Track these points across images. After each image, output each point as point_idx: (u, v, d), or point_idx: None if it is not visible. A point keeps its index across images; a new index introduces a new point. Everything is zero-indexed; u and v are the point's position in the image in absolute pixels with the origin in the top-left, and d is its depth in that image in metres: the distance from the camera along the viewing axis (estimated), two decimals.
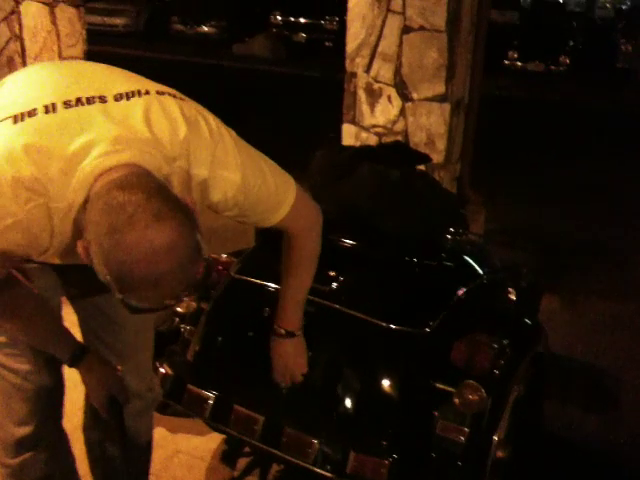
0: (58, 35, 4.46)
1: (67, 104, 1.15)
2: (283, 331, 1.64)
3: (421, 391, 1.74)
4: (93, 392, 1.50)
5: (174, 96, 1.26)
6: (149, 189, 1.06)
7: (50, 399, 1.57)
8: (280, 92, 8.57)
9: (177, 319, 2.19)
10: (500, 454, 1.82)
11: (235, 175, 1.28)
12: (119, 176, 1.07)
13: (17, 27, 4.47)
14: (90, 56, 4.59)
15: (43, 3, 4.41)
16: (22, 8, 4.44)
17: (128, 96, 1.20)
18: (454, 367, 1.75)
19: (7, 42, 4.51)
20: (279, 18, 13.91)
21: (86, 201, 1.09)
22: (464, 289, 2.02)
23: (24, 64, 4.41)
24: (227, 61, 11.45)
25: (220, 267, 2.12)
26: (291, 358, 1.68)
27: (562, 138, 7.16)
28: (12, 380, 1.50)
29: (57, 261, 1.27)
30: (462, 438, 1.68)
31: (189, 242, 1.06)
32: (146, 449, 1.83)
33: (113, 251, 1.02)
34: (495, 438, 1.72)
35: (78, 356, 1.44)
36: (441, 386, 1.73)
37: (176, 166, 1.19)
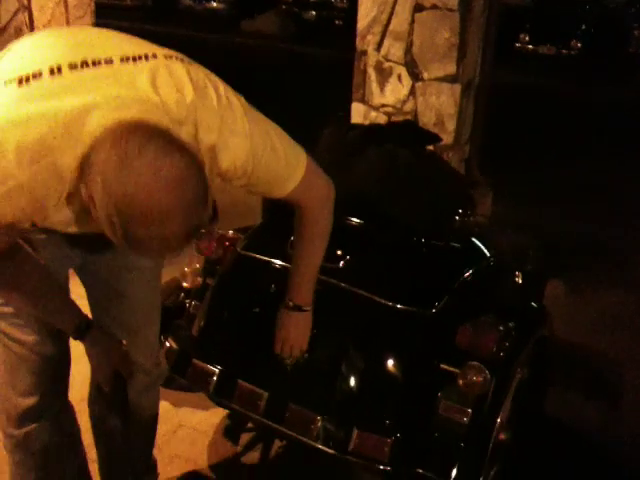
0: (66, 6, 4.42)
1: (72, 66, 1.14)
2: (292, 304, 1.64)
3: (425, 371, 1.74)
4: (97, 366, 1.51)
5: (182, 60, 1.24)
6: (158, 129, 1.05)
7: (55, 370, 1.57)
8: (288, 70, 8.52)
9: (183, 294, 2.19)
10: (502, 436, 1.83)
11: (244, 142, 1.26)
12: (127, 123, 1.06)
13: None
14: None
15: None
16: None
17: (135, 59, 1.19)
18: (459, 348, 1.75)
19: (15, 13, 4.48)
20: None
21: (92, 150, 1.06)
22: (470, 271, 2.02)
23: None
24: (235, 37, 11.38)
25: (227, 243, 2.12)
26: (294, 332, 1.68)
27: (570, 123, 7.10)
28: (17, 351, 1.50)
29: (65, 229, 1.26)
30: (465, 419, 1.68)
31: (197, 182, 1.05)
32: (151, 424, 1.84)
33: (119, 180, 1.00)
34: (498, 420, 1.72)
35: (83, 329, 1.44)
36: (445, 367, 1.73)
37: (183, 131, 1.17)
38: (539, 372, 2.07)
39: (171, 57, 1.23)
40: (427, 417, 1.68)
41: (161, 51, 1.24)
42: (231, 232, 2.19)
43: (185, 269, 2.19)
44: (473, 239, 2.22)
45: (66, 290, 1.55)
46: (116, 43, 1.24)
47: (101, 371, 1.51)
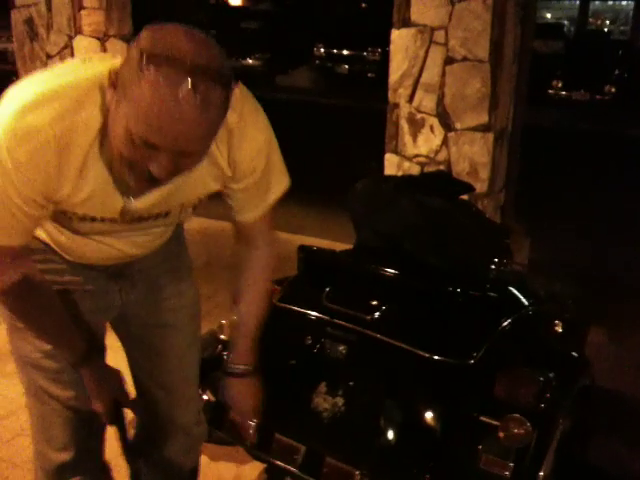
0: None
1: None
2: (240, 368, 1.51)
3: (464, 424, 1.71)
4: (96, 395, 1.46)
5: None
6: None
7: (90, 427, 1.58)
8: (322, 123, 8.66)
9: (220, 346, 2.21)
10: None
11: (262, 135, 1.30)
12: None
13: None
14: None
15: (94, 37, 4.58)
16: (75, 43, 4.61)
17: None
18: (498, 400, 1.73)
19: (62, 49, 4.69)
20: (322, 50, 14.12)
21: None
22: (508, 320, 2.00)
23: None
24: (270, 92, 11.66)
25: None
26: (245, 400, 1.53)
27: (607, 169, 7.04)
28: (53, 406, 1.51)
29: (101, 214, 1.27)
30: (507, 473, 1.64)
31: (220, 112, 1.06)
32: (189, 477, 1.83)
33: (147, 85, 1.00)
34: (541, 474, 1.68)
35: (82, 358, 1.41)
36: (485, 419, 1.70)
37: None
38: (582, 423, 2.02)
39: None
40: (468, 471, 1.65)
41: None
42: None
43: (222, 321, 2.21)
44: (510, 288, 2.21)
45: (102, 342, 1.57)
46: None
47: (100, 400, 1.47)
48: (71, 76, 1.17)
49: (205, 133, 1.08)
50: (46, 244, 1.39)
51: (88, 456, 1.59)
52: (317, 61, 13.97)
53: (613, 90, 12.32)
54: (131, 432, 1.68)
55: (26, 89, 1.14)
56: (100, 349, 1.54)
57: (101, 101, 1.13)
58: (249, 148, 1.29)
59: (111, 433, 1.65)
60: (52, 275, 1.39)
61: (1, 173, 1.11)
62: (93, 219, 1.27)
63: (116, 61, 1.15)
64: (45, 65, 4.70)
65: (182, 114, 1.02)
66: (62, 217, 1.27)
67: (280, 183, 1.39)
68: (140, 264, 1.49)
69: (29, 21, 4.74)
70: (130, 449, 1.60)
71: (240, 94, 1.25)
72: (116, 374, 1.50)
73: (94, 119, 1.14)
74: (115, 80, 1.08)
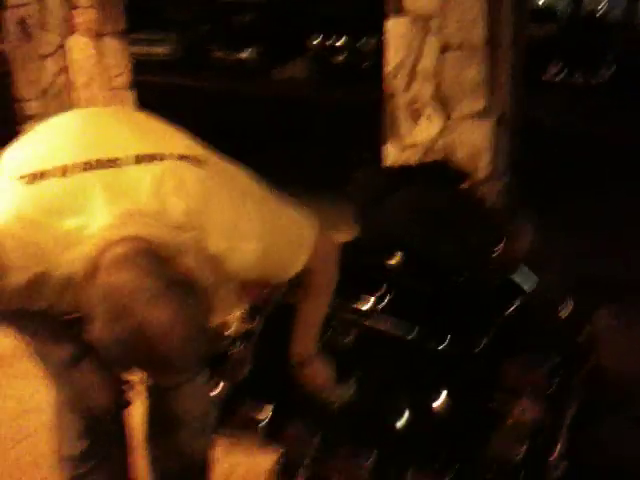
0: (104, 67, 4.61)
1: (79, 167, 1.19)
2: (301, 359, 1.64)
3: (474, 412, 1.73)
4: (96, 393, 1.50)
5: (197, 163, 1.26)
6: (145, 268, 1.09)
7: (108, 418, 1.60)
8: (318, 114, 8.65)
9: (227, 340, 2.22)
10: (558, 473, 1.79)
11: (255, 245, 1.28)
12: (117, 254, 1.10)
13: (65, 61, 4.63)
14: (135, 85, 4.72)
15: (89, 36, 4.57)
16: (69, 42, 4.60)
17: (145, 159, 1.22)
18: (507, 387, 1.74)
19: (56, 75, 4.69)
20: (317, 41, 14.06)
21: (88, 276, 1.12)
22: (512, 307, 2.01)
23: (72, 96, 4.56)
24: (265, 86, 11.62)
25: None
26: (320, 381, 1.67)
27: (603, 159, 7.01)
28: (70, 395, 1.54)
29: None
30: (518, 456, 1.65)
31: (189, 319, 1.08)
32: (202, 469, 1.85)
33: (118, 337, 1.06)
34: (553, 457, 1.69)
35: (77, 357, 1.44)
36: (495, 406, 1.72)
37: (188, 237, 1.20)
38: (592, 405, 2.03)
39: (186, 158, 1.25)
40: (480, 456, 1.66)
41: (178, 149, 1.26)
42: None
43: (228, 316, 2.22)
44: (513, 275, 2.21)
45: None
46: (133, 139, 1.27)
47: (99, 400, 1.50)
48: None
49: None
50: None
51: (104, 447, 1.62)
52: (312, 52, 13.91)
53: (608, 74, 12.27)
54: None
55: None
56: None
57: None
58: (243, 262, 1.29)
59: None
60: None
61: None
62: None
63: None
64: (40, 66, 4.69)
65: None
66: None
67: (301, 248, 1.39)
68: None
69: (22, 22, 4.73)
70: (126, 444, 1.62)
71: (229, 208, 1.25)
72: (114, 376, 1.52)
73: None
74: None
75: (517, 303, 2.03)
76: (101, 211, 1.16)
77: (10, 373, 3.05)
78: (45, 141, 1.30)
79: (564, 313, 2.29)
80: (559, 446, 1.73)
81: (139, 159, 1.22)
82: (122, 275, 1.08)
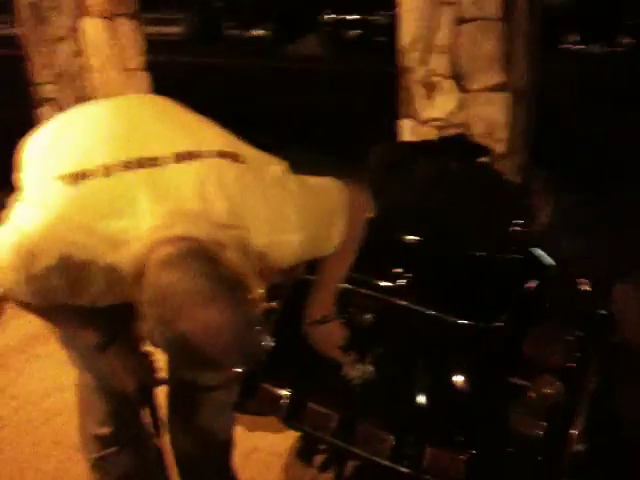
0: (118, 48, 4.60)
1: (122, 166, 1.19)
2: (320, 316, 1.66)
3: (495, 385, 1.73)
4: (122, 379, 1.50)
5: (235, 159, 1.27)
6: (195, 269, 1.10)
7: (127, 402, 1.60)
8: (333, 90, 8.59)
9: None
10: (579, 447, 1.80)
11: (297, 235, 1.29)
12: (166, 255, 1.11)
13: (79, 43, 4.63)
14: (150, 66, 4.71)
15: (102, 18, 4.56)
16: (83, 24, 4.60)
17: (187, 157, 1.22)
18: (527, 360, 1.73)
19: (70, 58, 4.69)
20: (330, 16, 13.94)
21: (137, 275, 1.13)
22: (532, 281, 2.00)
23: (87, 79, 4.57)
24: (279, 62, 11.55)
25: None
26: (325, 343, 1.70)
27: (623, 126, 6.90)
28: (95, 381, 1.56)
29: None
30: (539, 432, 1.66)
31: (238, 319, 1.10)
32: (223, 449, 1.88)
33: (170, 338, 1.09)
34: (573, 431, 1.69)
35: (106, 342, 1.45)
36: (515, 380, 1.72)
37: (230, 234, 1.20)
38: (613, 380, 2.03)
39: (225, 155, 1.26)
40: (500, 432, 1.67)
41: (215, 145, 1.27)
42: None
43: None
44: (533, 249, 2.20)
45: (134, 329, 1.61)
46: (171, 136, 1.27)
47: (126, 384, 1.50)
48: None
49: None
50: None
51: (126, 429, 1.65)
52: (325, 28, 13.79)
53: (629, 41, 12.04)
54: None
55: None
56: (124, 336, 1.56)
57: None
58: (288, 254, 1.31)
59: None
60: None
61: None
62: None
63: None
64: (54, 49, 4.69)
65: None
66: None
67: (337, 226, 1.39)
68: None
69: (34, 5, 4.72)
70: (159, 427, 1.64)
71: (269, 204, 1.27)
72: (143, 359, 1.53)
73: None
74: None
75: (537, 277, 2.02)
76: (147, 212, 1.16)
77: (34, 354, 3.10)
78: (80, 137, 1.29)
79: (584, 288, 2.27)
80: (579, 421, 1.73)
81: (179, 157, 1.22)
82: (172, 276, 1.08)
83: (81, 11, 4.55)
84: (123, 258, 1.15)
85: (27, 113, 4.86)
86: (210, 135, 1.33)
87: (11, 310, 3.48)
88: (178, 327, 1.07)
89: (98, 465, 1.68)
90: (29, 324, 3.29)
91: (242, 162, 1.28)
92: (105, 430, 1.63)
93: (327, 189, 1.40)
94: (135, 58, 4.66)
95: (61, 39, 4.68)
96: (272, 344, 1.97)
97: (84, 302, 1.24)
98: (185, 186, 1.19)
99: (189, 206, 1.18)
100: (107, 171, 1.18)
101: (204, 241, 1.15)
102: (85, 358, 1.53)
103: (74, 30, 4.63)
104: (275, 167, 1.35)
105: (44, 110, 4.73)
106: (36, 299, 1.22)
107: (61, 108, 4.13)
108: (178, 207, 1.17)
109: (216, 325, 1.07)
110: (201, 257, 1.12)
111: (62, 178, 1.19)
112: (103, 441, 1.64)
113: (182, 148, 1.23)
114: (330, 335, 1.69)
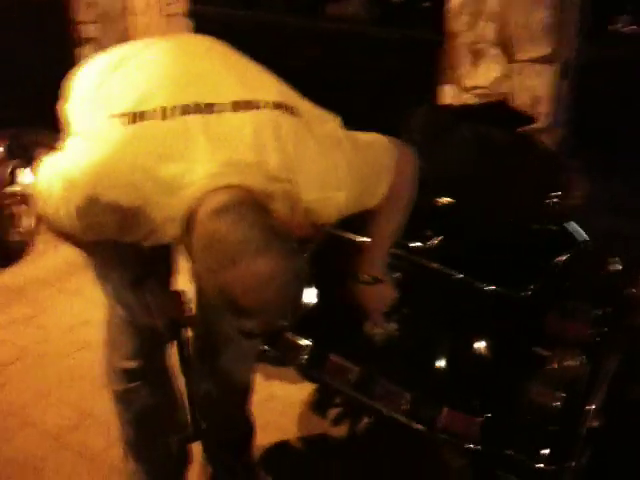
0: None
1: (180, 111, 1.19)
2: (369, 277, 1.62)
3: (517, 353, 1.73)
4: (153, 314, 1.51)
5: (291, 112, 1.26)
6: (249, 219, 1.10)
7: (155, 338, 1.66)
8: (373, 54, 8.46)
9: None
10: (595, 423, 1.80)
11: (346, 192, 1.28)
12: (220, 203, 1.11)
13: None
14: (193, 14, 4.68)
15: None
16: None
17: (243, 107, 1.22)
18: (552, 333, 1.73)
19: None
20: None
21: (189, 220, 1.14)
22: (564, 255, 1.99)
23: (129, 21, 4.55)
24: (320, 21, 11.39)
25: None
26: (379, 303, 1.67)
27: None
28: (125, 315, 1.60)
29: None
30: (557, 404, 1.66)
31: (288, 270, 1.10)
32: (243, 391, 1.92)
33: (219, 285, 1.09)
34: (591, 406, 1.70)
35: (141, 278, 1.47)
36: (538, 350, 1.72)
37: (281, 187, 1.21)
38: (634, 360, 2.02)
39: (280, 107, 1.25)
40: (518, 400, 1.68)
41: (272, 96, 1.26)
42: None
43: None
44: (567, 223, 2.18)
45: (168, 267, 1.63)
46: (228, 83, 1.27)
47: (158, 319, 1.53)
48: None
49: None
50: None
51: (151, 364, 1.69)
52: None
53: None
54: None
55: None
56: (158, 273, 1.58)
57: None
58: (336, 209, 1.30)
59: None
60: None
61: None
62: None
63: None
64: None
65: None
66: None
67: (383, 180, 1.37)
68: None
69: None
70: (187, 363, 1.68)
71: (321, 159, 1.25)
72: (175, 297, 1.55)
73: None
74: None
75: (569, 251, 2.00)
76: (203, 158, 1.16)
77: (62, 289, 3.17)
78: (138, 76, 1.29)
79: (613, 267, 2.26)
80: (597, 397, 1.73)
81: (236, 106, 1.21)
82: (226, 224, 1.09)
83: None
84: (176, 203, 1.15)
85: (68, 52, 4.87)
86: (267, 85, 1.32)
87: (43, 244, 3.56)
88: (229, 275, 1.07)
89: (122, 398, 1.73)
90: (59, 259, 3.37)
91: (298, 115, 1.27)
92: (132, 364, 1.67)
93: (376, 145, 1.38)
94: (179, 3, 4.62)
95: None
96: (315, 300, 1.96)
97: (130, 240, 1.26)
98: (241, 136, 1.19)
99: (244, 156, 1.18)
100: (165, 114, 1.18)
101: (256, 192, 1.16)
102: (119, 292, 1.55)
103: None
104: (329, 123, 1.34)
105: (85, 50, 4.73)
106: (83, 233, 1.24)
107: (102, 48, 4.11)
108: (233, 156, 1.17)
109: (267, 275, 1.07)
110: (254, 207, 1.13)
111: (119, 116, 1.19)
112: (129, 375, 1.68)
113: (239, 97, 1.23)
114: (380, 297, 1.66)
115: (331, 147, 1.28)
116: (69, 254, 3.38)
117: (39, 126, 3.13)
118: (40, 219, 1.32)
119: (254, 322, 1.14)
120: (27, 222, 3.49)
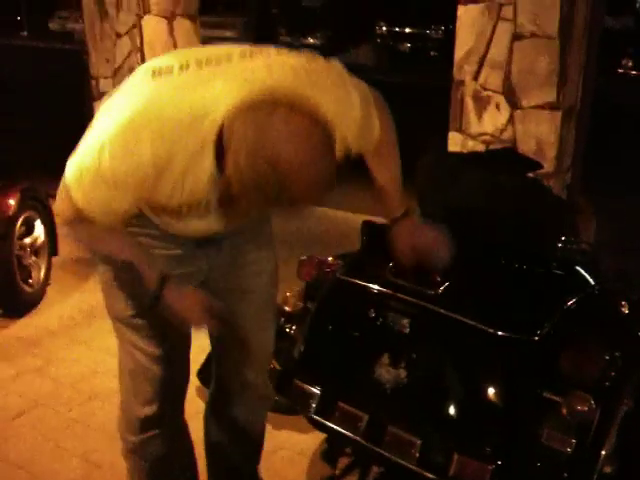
0: (175, 47, 4.69)
1: (198, 64, 1.32)
2: (400, 215, 1.71)
3: (528, 399, 1.72)
4: (178, 314, 1.48)
5: (294, 56, 1.40)
6: (291, 105, 1.20)
7: (175, 384, 1.68)
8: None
9: (284, 318, 2.26)
10: (607, 469, 1.77)
11: (357, 112, 1.44)
12: (260, 99, 1.21)
13: (138, 40, 4.75)
14: None
15: (162, 17, 4.66)
16: (143, 22, 4.71)
17: (251, 54, 1.36)
18: (562, 376, 1.72)
19: (129, 54, 4.81)
20: (384, 28, 13.97)
21: (223, 140, 1.24)
22: (574, 298, 1.98)
23: None
24: None
25: (327, 269, 2.18)
26: (427, 235, 1.73)
27: None
28: (142, 361, 1.60)
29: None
30: (568, 449, 1.64)
31: (322, 159, 1.19)
32: (258, 442, 1.91)
33: (256, 167, 1.16)
34: (603, 452, 1.67)
35: (162, 280, 1.45)
36: (548, 395, 1.70)
37: (299, 97, 1.28)
38: None
39: (282, 53, 1.40)
40: (529, 445, 1.66)
41: (274, 50, 1.41)
42: (330, 258, 2.25)
43: (287, 294, 2.26)
44: (576, 266, 2.18)
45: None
46: (235, 45, 1.42)
47: (191, 316, 1.50)
48: None
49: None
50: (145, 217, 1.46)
51: (170, 412, 1.69)
52: (379, 39, 13.83)
53: None
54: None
55: None
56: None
57: None
58: (346, 129, 1.41)
59: (191, 394, 1.73)
60: (145, 238, 1.50)
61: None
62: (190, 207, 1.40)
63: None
64: (114, 44, 4.82)
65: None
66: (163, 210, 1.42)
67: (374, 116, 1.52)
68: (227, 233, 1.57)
69: (99, 1, 4.86)
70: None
71: (331, 85, 1.42)
72: (194, 293, 1.52)
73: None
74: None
75: (579, 294, 2.00)
76: (226, 96, 1.26)
77: (74, 339, 3.19)
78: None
79: (626, 309, 2.24)
80: (610, 442, 1.70)
81: (249, 53, 1.36)
82: (267, 114, 1.17)
83: (143, 9, 4.67)
84: (208, 124, 1.26)
85: (86, 106, 5.01)
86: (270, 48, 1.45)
87: (53, 294, 3.59)
88: (267, 154, 1.15)
89: (136, 448, 1.70)
90: (69, 309, 3.40)
91: (302, 56, 1.41)
92: (151, 409, 1.65)
93: (363, 86, 1.53)
94: None
95: (122, 35, 4.81)
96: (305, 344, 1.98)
97: (163, 194, 1.33)
98: (256, 67, 1.32)
99: (262, 76, 1.30)
100: (181, 69, 1.31)
101: (289, 93, 1.24)
102: (141, 308, 1.55)
103: (134, 27, 4.75)
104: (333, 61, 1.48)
105: (100, 104, 4.86)
106: (121, 189, 1.30)
107: None
108: (249, 77, 1.29)
109: (309, 160, 1.17)
110: (292, 99, 1.21)
111: (144, 74, 1.33)
112: (146, 423, 1.67)
113: (246, 49, 1.37)
114: (413, 231, 1.71)
115: (339, 76, 1.44)
116: (79, 303, 3.43)
117: (54, 178, 3.20)
118: (64, 218, 1.43)
119: (299, 199, 1.21)
120: (38, 273, 3.54)
